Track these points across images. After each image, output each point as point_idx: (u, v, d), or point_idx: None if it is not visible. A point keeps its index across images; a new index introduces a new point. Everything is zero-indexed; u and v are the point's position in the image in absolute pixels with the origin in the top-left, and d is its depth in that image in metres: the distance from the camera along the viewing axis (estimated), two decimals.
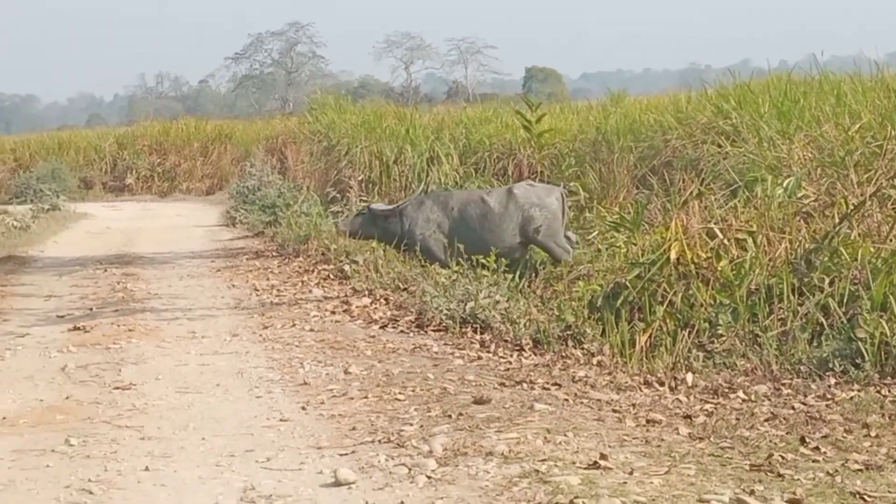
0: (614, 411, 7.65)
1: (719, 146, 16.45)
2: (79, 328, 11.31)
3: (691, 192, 13.07)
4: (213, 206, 24.49)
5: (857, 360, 8.73)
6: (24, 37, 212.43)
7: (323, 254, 15.31)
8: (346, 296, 12.43)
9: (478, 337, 10.21)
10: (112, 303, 12.90)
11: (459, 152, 21.42)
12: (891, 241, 10.51)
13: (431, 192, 16.29)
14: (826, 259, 10.36)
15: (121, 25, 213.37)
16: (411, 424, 7.25)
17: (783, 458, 6.47)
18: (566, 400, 7.92)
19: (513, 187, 15.16)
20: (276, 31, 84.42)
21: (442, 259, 14.38)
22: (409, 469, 6.30)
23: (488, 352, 9.69)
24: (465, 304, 10.79)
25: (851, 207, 11.10)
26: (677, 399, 8.10)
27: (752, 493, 5.76)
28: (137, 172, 35.65)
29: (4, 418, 7.95)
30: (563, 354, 9.60)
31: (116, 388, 8.77)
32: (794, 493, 5.76)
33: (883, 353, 8.77)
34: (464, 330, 10.41)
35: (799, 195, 12.25)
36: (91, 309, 12.54)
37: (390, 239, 15.07)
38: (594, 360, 9.41)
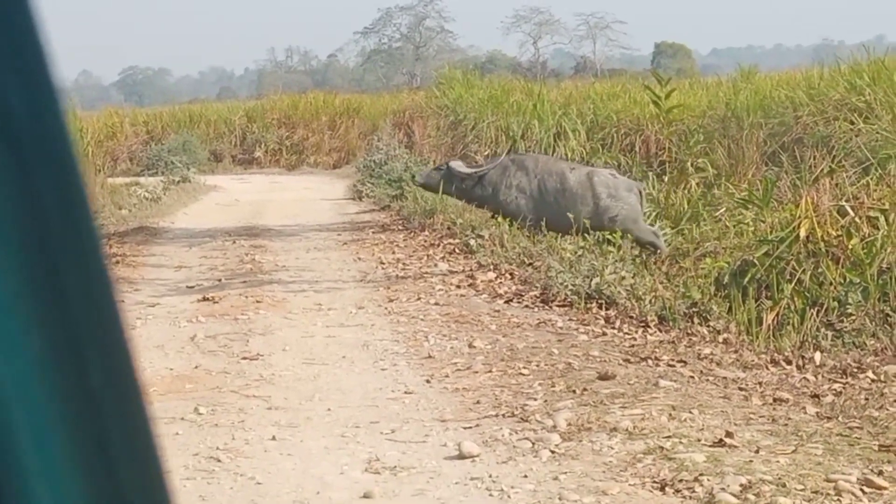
0: (740, 389, 7.58)
1: (852, 123, 16.24)
2: (208, 299, 11.46)
3: (822, 170, 12.92)
4: (340, 179, 24.64)
5: None
6: (157, 12, 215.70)
7: (448, 228, 15.34)
8: (471, 270, 12.45)
9: (603, 313, 10.17)
10: (240, 274, 13.06)
11: (587, 128, 21.34)
12: None
13: (514, 156, 16.19)
14: None
15: (252, 1, 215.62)
16: (535, 399, 7.25)
17: None
18: (691, 377, 7.86)
19: (594, 172, 15.16)
20: (405, 6, 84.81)
21: (531, 218, 14.61)
22: (533, 443, 6.30)
23: (613, 328, 9.65)
24: (591, 280, 10.75)
25: None
26: (805, 378, 8.01)
27: (880, 473, 5.68)
28: (266, 146, 35.95)
29: None
30: (689, 331, 9.53)
31: (244, 358, 8.89)
32: None
33: None
34: (589, 306, 10.37)
35: None
36: (220, 280, 12.71)
37: (468, 199, 15.44)
38: (720, 338, 9.33)
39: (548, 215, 14.66)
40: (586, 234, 13.17)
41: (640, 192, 15.01)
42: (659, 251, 14.19)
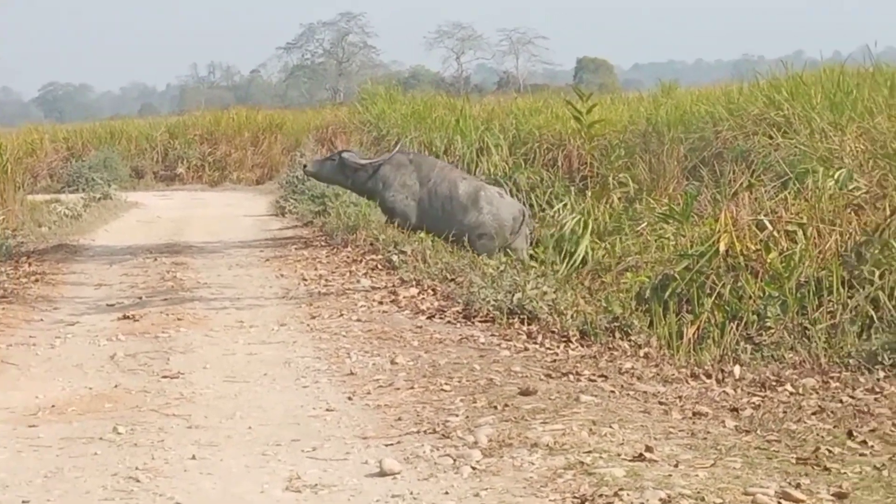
0: (660, 403, 7.62)
1: (771, 137, 16.40)
2: (128, 317, 11.37)
3: (741, 184, 13.03)
4: (263, 195, 24.58)
5: None
6: (78, 27, 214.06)
7: (371, 244, 15.32)
8: (393, 286, 12.43)
9: (525, 328, 10.19)
10: (161, 292, 12.97)
11: (509, 143, 21.43)
12: None
13: (413, 155, 16.47)
14: (877, 251, 10.28)
15: (174, 16, 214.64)
16: (457, 415, 7.25)
17: (830, 451, 6.42)
18: (612, 392, 7.90)
19: (482, 187, 15.88)
20: (328, 22, 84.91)
21: (412, 222, 15.44)
22: (454, 460, 6.30)
23: (535, 343, 9.67)
24: (513, 295, 10.77)
25: None
26: (724, 392, 8.06)
27: (798, 486, 5.73)
28: (188, 162, 35.75)
29: (53, 406, 8.00)
30: (610, 346, 9.57)
31: (164, 376, 8.82)
32: (840, 487, 5.72)
33: None
34: (511, 321, 10.39)
35: (850, 187, 12.18)
36: (140, 298, 12.61)
37: (358, 191, 16.22)
38: (641, 352, 9.38)
39: (430, 221, 15.27)
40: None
41: (524, 216, 15.67)
42: None
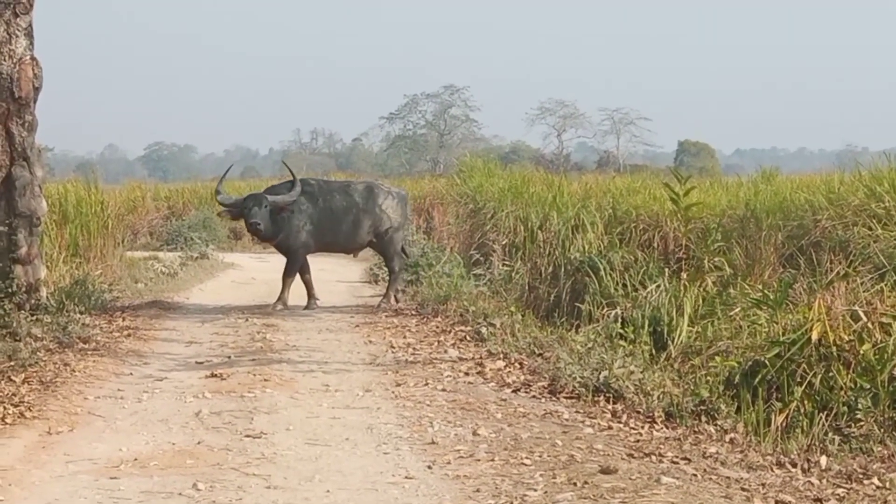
0: (743, 489, 7.50)
1: (870, 229, 16.21)
2: (216, 375, 11.46)
3: (837, 273, 12.87)
4: (357, 262, 24.64)
5: None
6: (185, 90, 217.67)
7: (461, 315, 15.33)
8: (480, 358, 12.41)
9: (610, 406, 10.11)
10: (250, 352, 13.05)
11: (605, 221, 21.31)
12: None
13: (301, 182, 17.42)
14: None
15: (279, 81, 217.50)
16: (535, 490, 7.20)
17: None
18: (694, 475, 7.79)
19: (371, 184, 17.79)
20: (431, 94, 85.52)
21: (312, 244, 17.21)
22: None
23: (619, 422, 9.58)
24: (599, 373, 10.70)
25: None
26: (809, 482, 7.92)
27: None
28: None
29: (136, 459, 8.07)
30: (696, 429, 9.46)
31: (247, 435, 8.87)
32: None
33: None
34: (596, 398, 10.32)
35: None
36: (229, 357, 12.70)
37: (273, 236, 17.20)
38: (727, 437, 9.26)
39: (331, 237, 17.15)
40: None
41: (406, 200, 17.87)
42: (409, 259, 17.32)
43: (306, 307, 17.11)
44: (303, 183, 17.19)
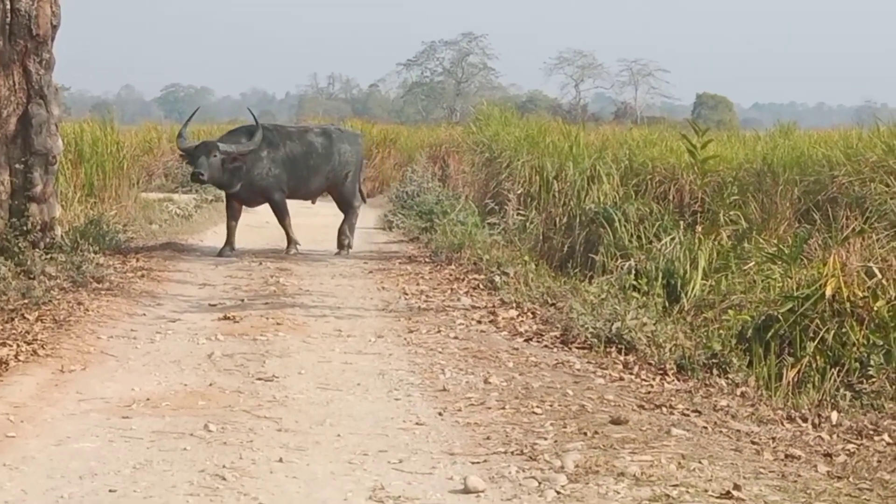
0: (753, 443, 7.50)
1: (887, 185, 16.15)
2: (229, 318, 11.48)
3: (853, 229, 12.83)
4: (371, 208, 24.59)
5: None
6: (203, 33, 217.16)
7: (475, 264, 15.32)
8: (493, 307, 12.41)
9: (621, 358, 10.11)
10: (263, 295, 13.07)
11: (621, 173, 21.25)
12: None
13: (263, 129, 17.23)
14: None
15: (297, 25, 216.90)
16: (545, 439, 7.20)
17: None
18: (705, 428, 7.80)
19: (328, 129, 18.09)
20: (450, 41, 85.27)
21: (286, 188, 17.23)
22: (539, 483, 6.26)
23: (630, 373, 9.58)
24: (612, 324, 10.69)
25: None
26: (819, 437, 7.92)
27: None
28: None
29: (148, 399, 8.11)
30: (707, 382, 9.46)
31: (259, 378, 8.89)
32: None
33: None
34: (608, 349, 10.31)
35: None
36: (242, 300, 12.72)
37: (229, 184, 16.97)
38: (738, 391, 9.25)
39: (296, 182, 17.14)
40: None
41: (361, 143, 18.30)
42: (358, 204, 17.78)
43: (219, 254, 16.86)
44: (263, 130, 16.99)
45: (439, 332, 11.02)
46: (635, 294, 12.52)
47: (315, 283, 14.25)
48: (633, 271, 14.24)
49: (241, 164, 16.51)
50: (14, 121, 13.80)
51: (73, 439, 7.04)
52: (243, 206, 17.49)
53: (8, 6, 13.69)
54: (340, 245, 17.57)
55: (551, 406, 8.12)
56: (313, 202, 18.42)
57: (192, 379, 8.85)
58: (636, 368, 9.75)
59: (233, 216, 17.23)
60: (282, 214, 17.29)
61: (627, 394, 8.77)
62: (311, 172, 17.26)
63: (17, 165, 13.77)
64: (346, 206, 17.77)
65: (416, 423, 7.62)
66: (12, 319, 10.49)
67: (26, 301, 11.21)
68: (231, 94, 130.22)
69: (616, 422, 7.64)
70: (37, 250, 13.31)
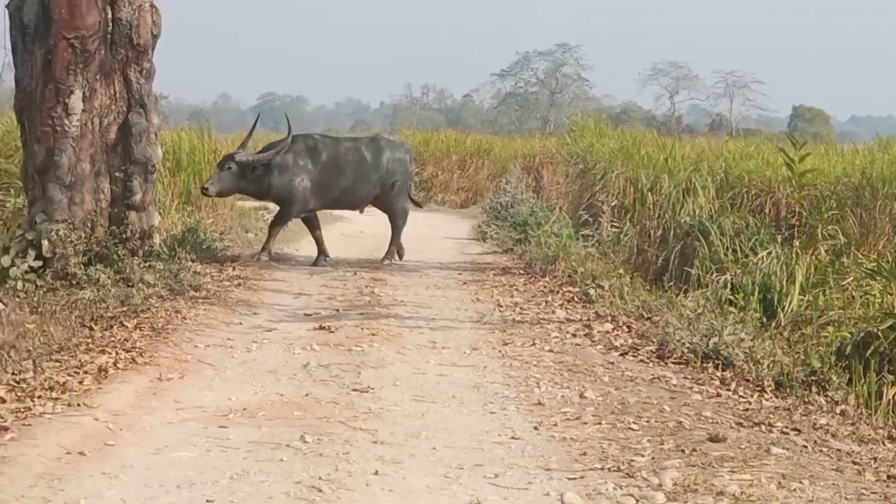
0: (854, 463, 7.39)
1: None
2: (324, 328, 11.51)
3: None
4: (465, 219, 24.66)
5: None
6: (299, 42, 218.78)
7: (569, 276, 15.26)
8: (588, 320, 12.34)
9: (718, 373, 10.00)
10: (358, 306, 13.10)
11: (717, 186, 21.13)
12: None
13: (299, 140, 17.11)
14: None
15: (392, 36, 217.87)
16: (643, 455, 7.14)
17: None
18: (804, 446, 7.69)
19: (377, 137, 17.78)
20: (544, 52, 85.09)
21: (310, 205, 16.89)
22: (637, 500, 6.20)
23: (728, 390, 9.47)
24: (709, 339, 10.59)
25: None
26: None
27: None
28: None
29: (245, 409, 8.14)
30: (806, 400, 9.33)
31: (355, 389, 8.90)
32: None
33: None
34: (705, 365, 10.21)
35: None
36: (338, 310, 12.76)
37: (257, 191, 16.77)
38: (837, 409, 9.12)
39: (338, 192, 16.91)
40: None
41: (409, 151, 17.81)
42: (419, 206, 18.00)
43: (314, 263, 16.84)
44: (305, 139, 16.99)
45: (534, 344, 10.99)
46: (731, 309, 12.40)
47: (409, 293, 14.27)
48: (729, 285, 14.13)
49: (262, 172, 16.46)
50: (114, 129, 13.93)
51: (170, 448, 7.08)
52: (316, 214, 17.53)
53: (109, 16, 13.83)
54: (388, 254, 17.61)
55: (648, 422, 8.05)
56: (361, 211, 18.21)
57: (287, 389, 8.88)
58: (733, 385, 9.64)
59: (312, 226, 17.38)
60: (282, 222, 17.37)
61: (725, 410, 8.67)
62: (357, 181, 17.09)
63: (117, 174, 13.90)
64: (393, 216, 17.69)
65: (512, 438, 7.59)
66: (111, 327, 10.61)
67: (125, 309, 11.32)
68: (326, 104, 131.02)
69: (714, 439, 7.56)
70: (135, 258, 13.44)
